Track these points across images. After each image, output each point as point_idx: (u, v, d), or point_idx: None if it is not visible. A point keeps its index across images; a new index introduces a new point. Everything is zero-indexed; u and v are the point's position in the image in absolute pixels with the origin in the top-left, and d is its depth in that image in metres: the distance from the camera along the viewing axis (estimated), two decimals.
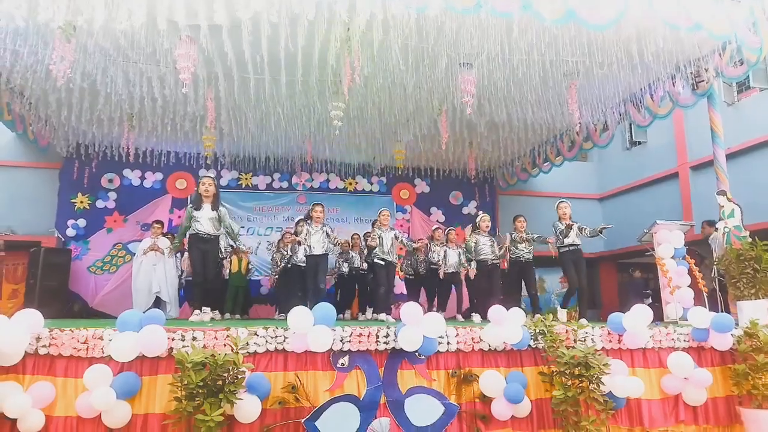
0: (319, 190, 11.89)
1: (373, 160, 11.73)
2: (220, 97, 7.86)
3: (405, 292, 10.38)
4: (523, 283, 7.89)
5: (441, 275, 8.40)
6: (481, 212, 8.56)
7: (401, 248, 9.68)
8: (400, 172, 11.75)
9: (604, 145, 9.47)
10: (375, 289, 7.77)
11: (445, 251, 8.49)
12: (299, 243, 7.35)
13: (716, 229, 7.36)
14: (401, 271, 10.19)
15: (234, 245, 8.03)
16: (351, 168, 11.99)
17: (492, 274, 7.88)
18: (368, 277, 8.49)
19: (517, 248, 7.72)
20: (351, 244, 9.62)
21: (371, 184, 12.25)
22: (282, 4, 5.42)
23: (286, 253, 9.16)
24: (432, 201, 12.39)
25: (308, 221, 7.36)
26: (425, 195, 12.43)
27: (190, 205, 6.56)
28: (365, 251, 8.73)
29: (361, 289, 9.25)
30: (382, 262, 7.41)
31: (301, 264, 8.16)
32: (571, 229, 7.01)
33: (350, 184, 12.13)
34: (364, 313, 8.89)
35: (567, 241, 7.01)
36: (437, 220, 12.03)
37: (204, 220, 6.43)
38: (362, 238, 9.19)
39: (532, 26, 6.06)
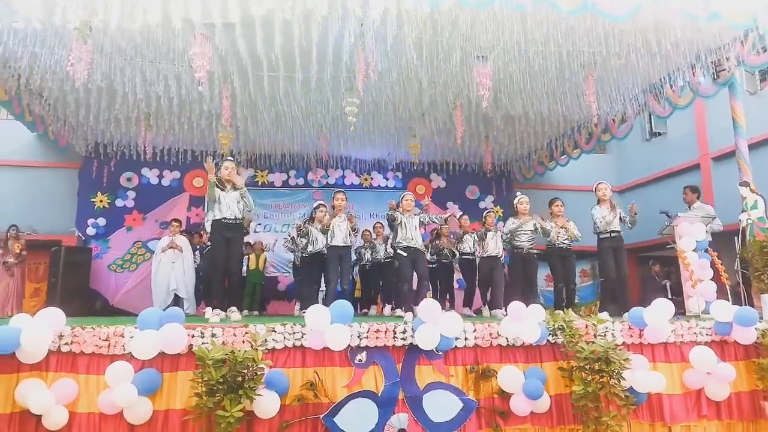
0: (335, 186, 11.86)
1: (388, 155, 11.73)
2: (236, 94, 7.93)
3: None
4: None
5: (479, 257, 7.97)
6: (519, 193, 7.75)
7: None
8: (415, 167, 11.76)
9: (622, 136, 9.35)
10: (397, 283, 7.11)
11: (485, 233, 7.87)
12: (320, 221, 6.74)
13: (698, 197, 7.14)
14: None
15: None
16: (366, 164, 12.00)
17: (527, 265, 7.21)
18: (393, 267, 7.63)
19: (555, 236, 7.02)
20: (373, 233, 9.36)
21: (387, 179, 12.26)
22: (295, 0, 5.43)
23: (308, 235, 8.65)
24: (448, 195, 12.35)
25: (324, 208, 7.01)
26: (441, 190, 12.40)
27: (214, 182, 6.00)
28: (390, 238, 8.34)
29: (385, 281, 8.82)
30: (405, 253, 6.61)
31: (323, 252, 7.48)
32: (615, 213, 6.56)
33: (366, 179, 12.15)
34: (383, 307, 8.71)
35: (609, 227, 6.56)
36: (453, 215, 11.97)
37: (228, 202, 5.99)
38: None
39: (548, 17, 6.00)
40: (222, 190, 6.03)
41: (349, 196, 11.48)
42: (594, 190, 6.91)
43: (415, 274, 6.66)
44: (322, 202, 7.50)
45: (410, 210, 6.83)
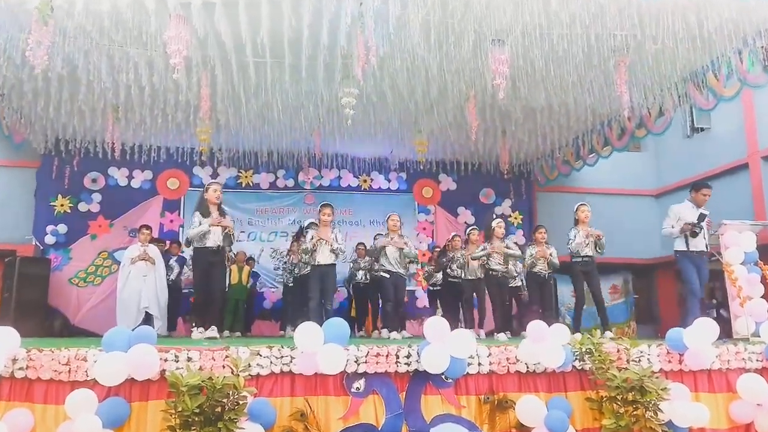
0: (330, 189, 11.93)
1: (390, 153, 11.74)
2: (216, 83, 7.96)
3: (428, 304, 10.42)
4: None
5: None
6: (495, 216, 8.69)
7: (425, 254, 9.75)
8: (422, 167, 11.79)
9: (660, 132, 9.37)
10: (383, 304, 7.96)
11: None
12: (307, 252, 7.32)
13: (704, 194, 7.03)
14: (424, 280, 10.27)
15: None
16: (366, 163, 12.04)
17: (502, 289, 7.98)
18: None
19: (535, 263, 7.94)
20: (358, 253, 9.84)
21: (389, 181, 12.30)
22: None
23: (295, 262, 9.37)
24: (459, 200, 12.38)
25: (316, 226, 7.44)
26: (451, 193, 12.43)
27: (197, 213, 6.82)
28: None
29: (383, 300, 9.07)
30: (387, 275, 7.62)
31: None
32: (588, 240, 7.23)
33: (365, 181, 12.19)
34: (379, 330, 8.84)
35: (581, 252, 7.24)
36: (465, 222, 12.00)
37: (213, 230, 6.69)
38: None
39: None
40: (205, 216, 6.70)
41: (345, 200, 11.79)
42: (575, 210, 7.50)
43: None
44: (313, 221, 7.98)
45: (396, 232, 7.73)
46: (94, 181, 11.13)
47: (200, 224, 6.65)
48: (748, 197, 10.57)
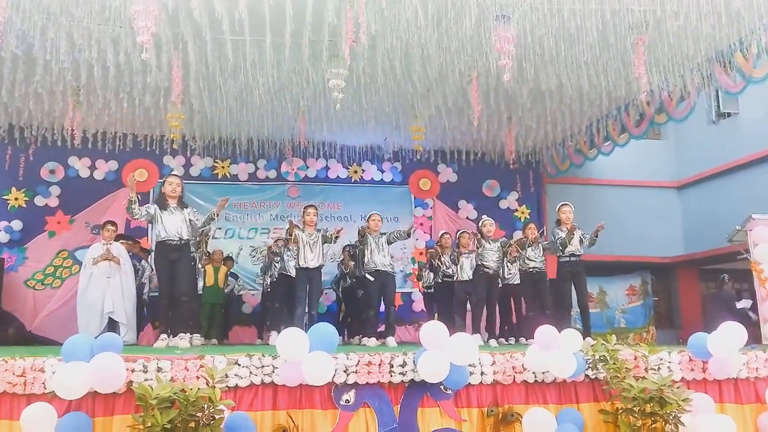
0: (316, 181, 11.94)
1: (384, 141, 11.75)
2: (189, 63, 7.93)
3: (424, 308, 10.50)
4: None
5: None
6: (484, 216, 9.00)
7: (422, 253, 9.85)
8: (419, 157, 11.77)
9: (682, 118, 9.40)
10: (364, 310, 8.18)
11: (458, 257, 8.84)
12: (289, 246, 7.50)
13: None
14: (419, 281, 10.35)
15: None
16: (356, 152, 12.03)
17: (491, 287, 8.35)
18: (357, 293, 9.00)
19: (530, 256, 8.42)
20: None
21: (382, 171, 12.33)
22: None
23: (276, 263, 9.46)
24: (461, 192, 12.43)
25: (302, 227, 7.63)
26: (452, 185, 12.48)
27: (153, 204, 6.99)
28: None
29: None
30: (373, 278, 7.76)
31: (291, 275, 8.38)
32: (573, 236, 7.63)
33: (356, 172, 12.22)
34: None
35: (568, 250, 7.64)
36: (467, 217, 12.02)
37: (171, 223, 6.80)
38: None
39: None
40: (163, 209, 6.84)
41: (334, 193, 11.81)
42: (557, 211, 8.03)
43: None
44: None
45: (377, 230, 7.93)
46: (52, 172, 11.10)
47: (153, 212, 6.88)
48: None
